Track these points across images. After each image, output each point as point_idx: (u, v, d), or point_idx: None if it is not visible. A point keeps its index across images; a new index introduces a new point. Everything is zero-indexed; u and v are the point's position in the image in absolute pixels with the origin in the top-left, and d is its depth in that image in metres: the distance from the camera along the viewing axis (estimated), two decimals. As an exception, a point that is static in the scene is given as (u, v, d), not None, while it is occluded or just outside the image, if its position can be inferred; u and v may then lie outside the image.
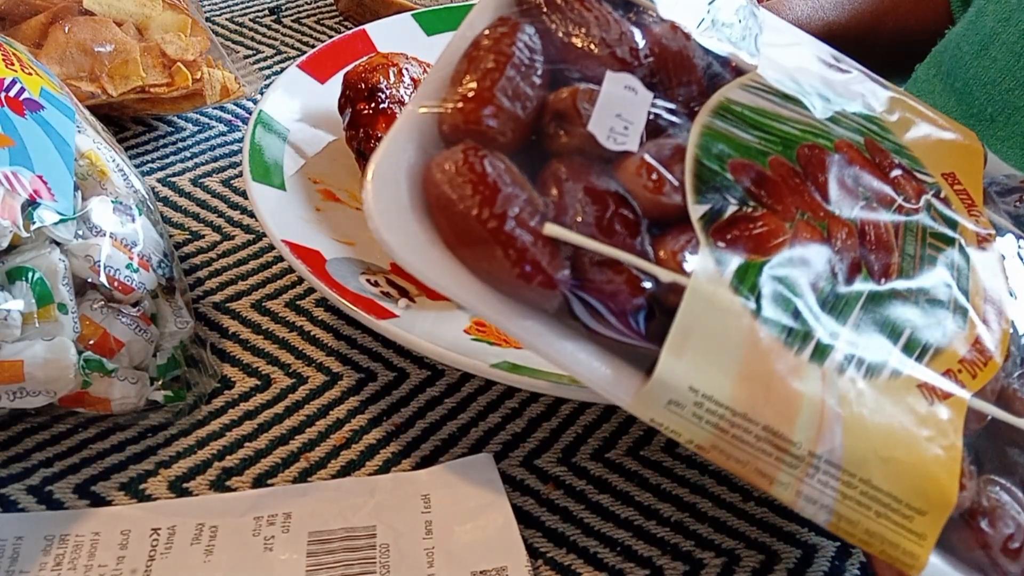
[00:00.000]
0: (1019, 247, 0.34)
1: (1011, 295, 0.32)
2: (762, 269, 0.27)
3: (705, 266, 0.26)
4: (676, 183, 0.27)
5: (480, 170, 0.25)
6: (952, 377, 0.28)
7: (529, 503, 0.38)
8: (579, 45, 0.28)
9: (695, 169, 0.28)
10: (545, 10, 0.29)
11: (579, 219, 0.25)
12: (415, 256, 0.25)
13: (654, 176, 0.27)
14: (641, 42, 0.30)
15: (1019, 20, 0.54)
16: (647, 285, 0.25)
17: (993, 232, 0.34)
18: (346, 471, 0.39)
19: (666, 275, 0.26)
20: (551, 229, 0.25)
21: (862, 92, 0.35)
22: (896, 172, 0.32)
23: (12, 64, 0.42)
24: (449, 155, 0.25)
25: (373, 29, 0.58)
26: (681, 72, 0.30)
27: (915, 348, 0.28)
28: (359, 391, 0.43)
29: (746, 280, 0.26)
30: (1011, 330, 0.31)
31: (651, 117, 0.28)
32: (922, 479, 0.26)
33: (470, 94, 0.26)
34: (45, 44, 0.54)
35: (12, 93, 0.40)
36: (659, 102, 0.29)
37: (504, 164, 0.25)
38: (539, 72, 0.27)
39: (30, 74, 0.42)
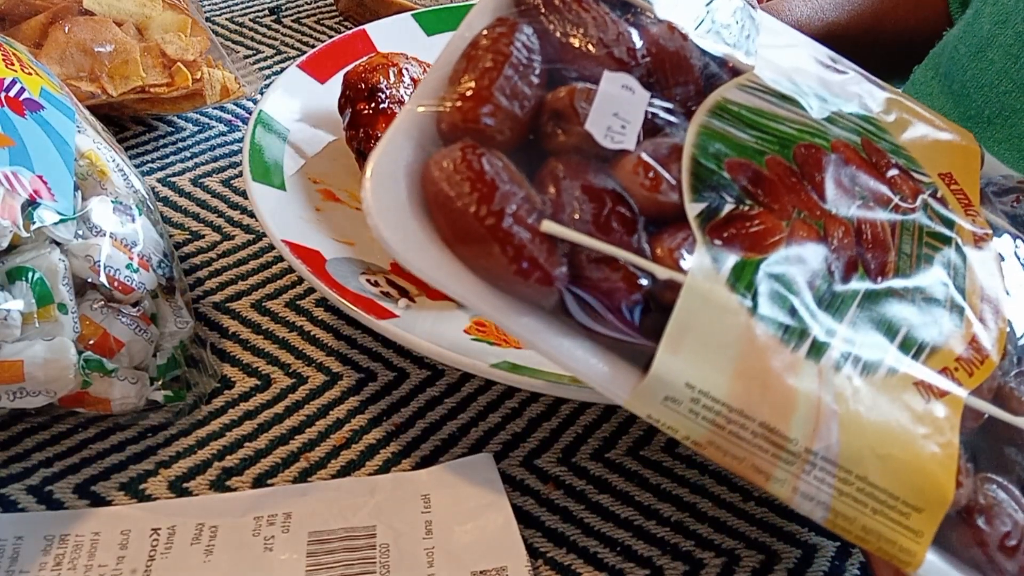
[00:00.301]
0: (1016, 247, 0.34)
1: (1008, 294, 0.32)
2: (759, 267, 0.27)
3: (702, 264, 0.26)
4: (673, 182, 0.27)
5: (478, 168, 0.25)
6: (949, 375, 0.28)
7: (529, 503, 0.38)
8: (577, 45, 0.28)
9: (692, 168, 0.28)
10: (543, 11, 0.29)
11: (576, 216, 0.26)
12: (414, 253, 0.25)
13: (651, 174, 0.27)
14: (638, 42, 0.30)
15: (1015, 23, 0.54)
16: (644, 282, 0.26)
17: (990, 232, 0.34)
18: (346, 471, 0.39)
19: (663, 272, 0.26)
20: (548, 226, 0.25)
21: (859, 93, 0.35)
22: (893, 172, 0.32)
23: (12, 64, 0.42)
24: (447, 153, 0.25)
25: (373, 29, 0.58)
26: (678, 72, 0.30)
27: (912, 346, 0.28)
28: (359, 391, 0.43)
29: (743, 278, 0.26)
30: (1008, 329, 0.31)
31: (648, 116, 0.28)
32: (919, 476, 0.26)
33: (468, 93, 0.26)
34: (45, 44, 0.54)
35: (12, 93, 0.40)
36: (656, 101, 0.29)
37: (502, 162, 0.26)
38: (537, 72, 0.27)
39: (30, 74, 0.42)
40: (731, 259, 0.27)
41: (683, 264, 0.26)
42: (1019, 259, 0.34)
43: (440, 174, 0.25)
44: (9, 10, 0.56)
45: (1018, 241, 0.35)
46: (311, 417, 0.41)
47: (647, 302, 0.26)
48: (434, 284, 0.25)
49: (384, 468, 0.39)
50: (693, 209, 0.27)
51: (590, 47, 0.28)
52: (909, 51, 0.66)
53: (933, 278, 0.30)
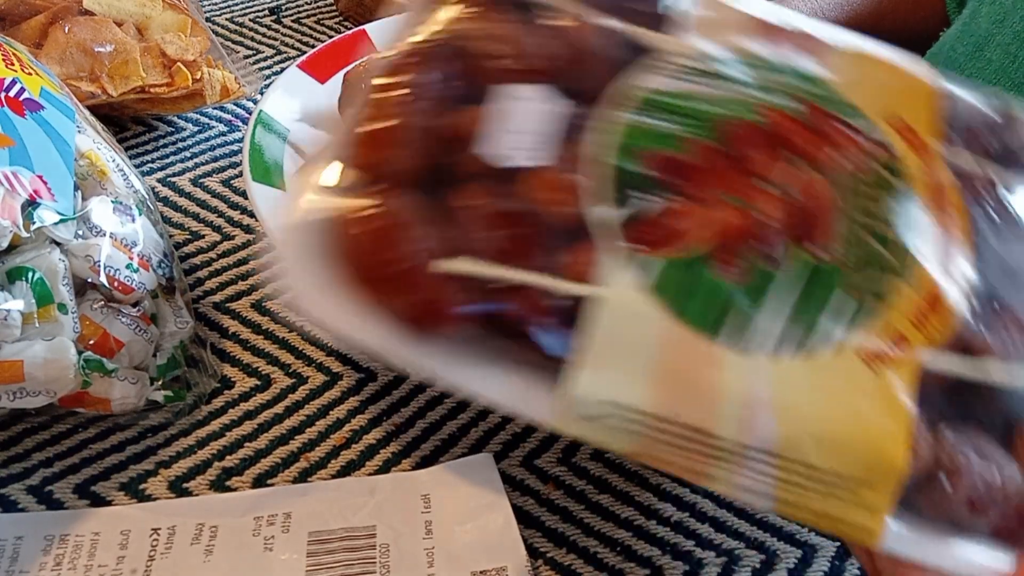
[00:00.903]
0: (979, 188, 0.32)
1: (967, 243, 0.30)
2: (680, 265, 0.26)
3: (615, 273, 0.25)
4: (586, 191, 0.26)
5: (382, 209, 0.25)
6: (898, 339, 0.27)
7: (529, 503, 0.38)
8: (485, 65, 0.27)
9: (605, 172, 0.27)
10: (450, 37, 0.28)
11: (485, 247, 0.25)
12: (319, 303, 0.24)
13: (561, 188, 0.26)
14: (547, 48, 0.28)
15: (1013, 22, 0.54)
16: (557, 303, 0.25)
17: (949, 175, 0.31)
18: (346, 471, 0.39)
19: (576, 289, 0.25)
20: (452, 265, 0.24)
21: (801, 52, 0.33)
22: (836, 132, 0.30)
23: (12, 64, 0.42)
24: (351, 192, 0.25)
25: (373, 29, 0.58)
26: (590, 71, 0.28)
27: (855, 315, 0.27)
28: (359, 391, 0.43)
29: (662, 280, 0.26)
30: (966, 278, 0.30)
31: (558, 126, 0.27)
32: (865, 451, 0.25)
33: (370, 131, 0.26)
34: (45, 44, 0.54)
35: (12, 93, 0.40)
36: (567, 109, 0.28)
37: (407, 199, 0.25)
38: (443, 98, 0.27)
39: (30, 74, 0.42)
40: (648, 262, 0.26)
41: (596, 277, 0.25)
42: (979, 204, 0.32)
43: (345, 217, 0.25)
44: (9, 10, 0.55)
45: (979, 184, 0.33)
46: (311, 417, 0.41)
47: (562, 320, 0.25)
48: (336, 332, 0.24)
49: (384, 468, 0.39)
50: (607, 216, 0.26)
51: (498, 63, 0.27)
52: (909, 50, 0.66)
53: (882, 237, 0.28)
